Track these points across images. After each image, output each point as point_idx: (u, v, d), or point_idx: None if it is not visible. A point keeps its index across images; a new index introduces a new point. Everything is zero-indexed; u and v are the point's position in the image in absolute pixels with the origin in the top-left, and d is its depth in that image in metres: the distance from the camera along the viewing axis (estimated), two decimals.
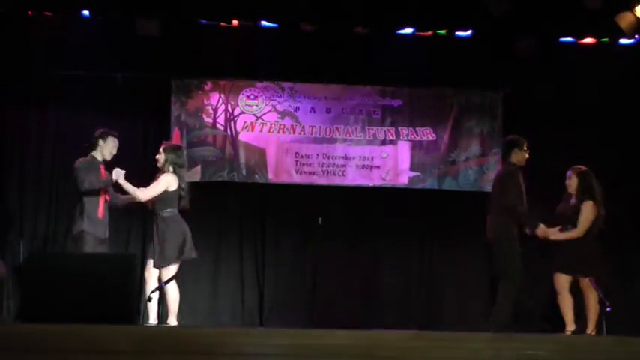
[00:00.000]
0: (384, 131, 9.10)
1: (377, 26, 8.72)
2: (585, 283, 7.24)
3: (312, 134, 9.04)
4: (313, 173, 9.01)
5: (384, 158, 9.09)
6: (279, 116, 9.02)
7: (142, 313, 8.08)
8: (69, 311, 5.82)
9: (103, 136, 7.30)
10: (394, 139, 9.11)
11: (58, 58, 8.58)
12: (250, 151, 8.95)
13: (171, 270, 6.97)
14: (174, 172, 7.15)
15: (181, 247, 7.07)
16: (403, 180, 9.09)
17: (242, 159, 8.93)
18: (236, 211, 9.01)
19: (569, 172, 7.54)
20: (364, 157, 9.06)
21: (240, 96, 9.00)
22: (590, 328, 7.19)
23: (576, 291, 7.39)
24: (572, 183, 7.45)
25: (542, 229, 7.32)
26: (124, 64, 8.70)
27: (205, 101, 8.97)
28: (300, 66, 8.98)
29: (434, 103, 9.16)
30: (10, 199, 8.60)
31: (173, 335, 5.48)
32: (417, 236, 9.11)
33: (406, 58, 8.88)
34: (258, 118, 9.00)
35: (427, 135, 9.12)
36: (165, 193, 7.10)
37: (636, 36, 8.37)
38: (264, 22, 8.71)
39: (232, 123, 8.97)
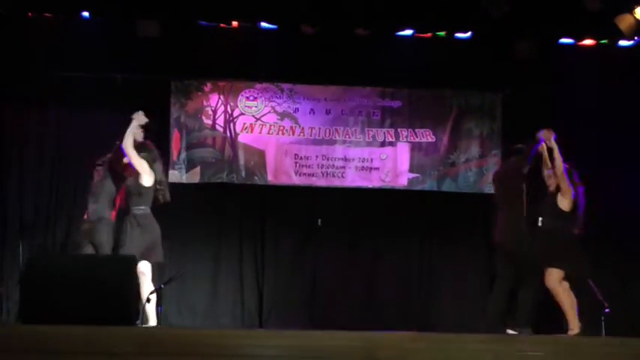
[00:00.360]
0: (384, 133, 9.11)
1: (376, 28, 8.72)
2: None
3: (311, 135, 9.04)
4: (312, 174, 9.01)
5: (383, 160, 9.09)
6: (279, 117, 9.03)
7: (140, 314, 8.07)
8: (68, 313, 5.81)
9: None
10: (393, 140, 9.11)
11: (57, 59, 8.58)
12: (250, 152, 8.95)
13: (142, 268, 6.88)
14: (150, 167, 7.11)
15: (146, 251, 6.88)
16: (402, 181, 9.10)
17: (241, 160, 8.93)
18: (235, 212, 9.00)
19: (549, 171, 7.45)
20: (363, 159, 9.06)
21: (240, 97, 9.01)
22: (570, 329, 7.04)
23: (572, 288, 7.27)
24: (551, 182, 7.38)
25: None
26: (123, 65, 8.70)
27: (205, 103, 8.97)
28: (300, 67, 8.98)
29: (433, 104, 9.17)
30: (9, 200, 8.60)
31: (172, 337, 5.48)
32: (417, 238, 9.11)
33: (406, 60, 8.89)
34: (257, 119, 9.00)
35: (426, 136, 9.13)
36: (141, 187, 7.02)
37: (636, 38, 8.36)
38: (263, 24, 8.71)
39: (232, 124, 8.97)
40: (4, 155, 8.68)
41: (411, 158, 9.09)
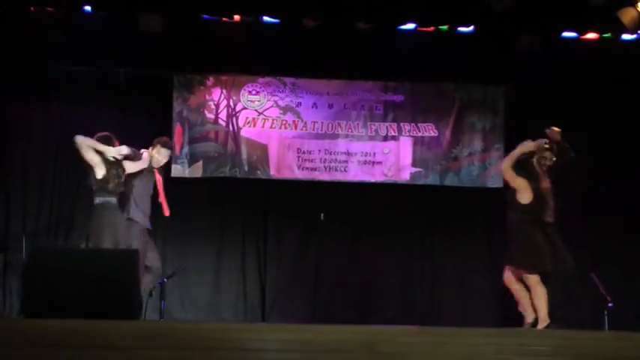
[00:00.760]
0: (386, 127, 9.10)
1: (379, 22, 8.71)
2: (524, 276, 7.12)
3: (314, 130, 9.04)
4: (315, 169, 9.01)
5: (385, 154, 9.09)
6: (281, 112, 9.02)
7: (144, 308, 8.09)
8: (71, 307, 5.82)
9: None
10: (396, 134, 9.10)
11: (60, 53, 8.58)
12: (252, 146, 8.95)
13: None
14: (103, 160, 7.09)
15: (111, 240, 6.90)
16: (405, 176, 9.09)
17: (244, 154, 8.93)
18: (238, 206, 9.01)
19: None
20: (366, 153, 9.06)
21: (242, 91, 9.00)
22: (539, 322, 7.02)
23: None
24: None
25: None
26: (126, 59, 8.70)
27: (207, 97, 8.97)
28: (302, 61, 8.98)
29: (436, 98, 9.16)
30: (12, 194, 8.60)
31: (175, 331, 5.48)
32: (419, 232, 9.11)
33: (408, 54, 8.88)
34: (260, 113, 9.00)
35: (429, 131, 9.12)
36: (95, 180, 7.02)
37: (639, 31, 8.34)
38: (266, 18, 8.70)
39: (234, 118, 8.97)
40: (8, 149, 8.69)
41: (414, 152, 9.09)
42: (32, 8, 8.55)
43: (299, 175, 9.00)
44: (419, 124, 9.12)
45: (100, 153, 6.99)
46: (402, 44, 8.90)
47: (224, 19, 8.77)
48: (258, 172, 8.95)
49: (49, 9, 8.57)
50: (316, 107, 9.07)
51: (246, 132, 8.97)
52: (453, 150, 9.11)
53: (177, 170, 8.71)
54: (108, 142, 7.08)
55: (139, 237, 7.19)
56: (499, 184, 8.61)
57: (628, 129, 9.11)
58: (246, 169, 8.93)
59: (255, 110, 9.00)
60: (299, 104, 9.05)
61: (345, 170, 9.04)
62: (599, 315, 7.23)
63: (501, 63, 8.98)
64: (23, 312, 6.78)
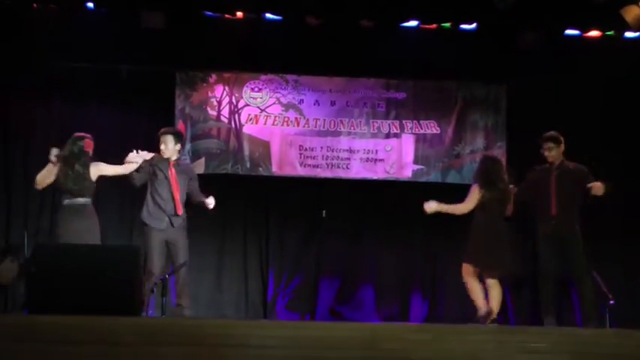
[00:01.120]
0: (389, 124, 9.10)
1: (381, 19, 8.70)
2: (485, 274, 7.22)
3: (316, 127, 9.04)
4: (317, 166, 9.01)
5: (388, 151, 9.09)
6: (284, 109, 9.03)
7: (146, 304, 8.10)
8: (73, 303, 5.83)
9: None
10: (398, 132, 9.11)
11: (62, 50, 8.57)
12: (254, 143, 8.96)
13: None
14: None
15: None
16: (407, 173, 9.10)
17: (246, 151, 8.94)
18: (240, 203, 9.01)
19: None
20: (368, 150, 9.06)
21: (245, 88, 9.01)
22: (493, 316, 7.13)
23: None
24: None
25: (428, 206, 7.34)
26: (128, 56, 8.70)
27: (210, 94, 8.97)
28: (305, 59, 8.97)
29: (438, 96, 9.16)
30: (14, 191, 8.61)
31: (177, 327, 5.49)
32: (421, 229, 9.10)
33: (410, 51, 8.87)
34: (262, 110, 9.00)
35: (431, 128, 9.12)
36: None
37: None
38: (268, 15, 8.70)
39: (236, 115, 8.98)
40: (10, 146, 8.70)
41: (416, 150, 9.09)
42: (35, 5, 8.56)
43: (301, 172, 9.00)
44: (421, 122, 9.12)
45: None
46: (405, 42, 8.89)
47: (227, 15, 8.77)
48: (261, 169, 8.95)
49: (52, 6, 8.57)
50: (318, 104, 9.07)
51: (248, 129, 8.97)
52: (455, 147, 9.11)
53: None
54: (74, 142, 7.07)
55: (148, 241, 7.24)
56: None
57: (631, 127, 9.10)
58: (248, 166, 8.94)
59: (258, 107, 9.01)
60: (301, 101, 9.05)
61: (347, 167, 9.04)
62: (601, 312, 7.20)
63: (504, 61, 8.97)
64: (26, 308, 6.79)
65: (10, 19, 8.50)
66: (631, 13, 7.94)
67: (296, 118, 9.03)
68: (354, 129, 9.07)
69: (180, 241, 7.35)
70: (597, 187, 7.27)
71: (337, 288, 8.88)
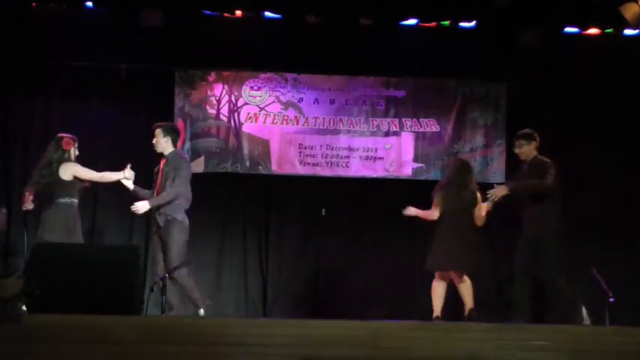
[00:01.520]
0: (388, 122, 9.10)
1: (381, 17, 8.70)
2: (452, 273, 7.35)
3: (315, 125, 9.04)
4: (317, 164, 9.01)
5: (387, 149, 9.09)
6: (283, 107, 9.02)
7: (145, 303, 8.10)
8: (72, 302, 5.82)
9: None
10: (398, 130, 9.10)
11: (61, 49, 8.57)
12: (254, 142, 8.95)
13: None
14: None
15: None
16: (407, 171, 9.09)
17: (245, 150, 8.94)
18: (239, 202, 9.01)
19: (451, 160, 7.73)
20: (368, 148, 9.06)
21: (244, 87, 9.00)
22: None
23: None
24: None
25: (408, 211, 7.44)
26: (127, 55, 8.70)
27: (209, 92, 8.97)
28: (304, 57, 8.97)
29: (438, 94, 9.15)
30: (13, 190, 8.61)
31: (177, 326, 5.49)
32: (421, 227, 9.07)
33: (410, 50, 8.87)
34: (261, 109, 9.00)
35: (431, 126, 9.12)
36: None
37: None
38: (267, 13, 8.70)
39: (236, 114, 8.97)
40: (10, 144, 8.70)
41: (416, 148, 9.09)
42: (34, 4, 8.55)
43: (301, 170, 9.00)
44: (421, 120, 9.12)
45: None
46: (404, 40, 8.89)
47: (226, 14, 8.77)
48: (260, 167, 8.95)
49: (51, 5, 8.57)
50: (318, 103, 9.07)
51: (247, 127, 8.97)
52: (454, 145, 9.10)
53: None
54: (55, 142, 7.15)
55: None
56: (501, 180, 8.61)
57: (630, 125, 9.09)
58: (247, 164, 8.94)
59: (257, 106, 9.00)
60: (301, 100, 9.04)
61: (346, 166, 9.04)
62: (601, 310, 7.19)
63: (503, 58, 8.97)
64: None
65: (9, 18, 8.49)
66: (630, 10, 7.93)
67: (295, 117, 9.02)
68: (354, 127, 9.06)
69: (169, 241, 7.05)
70: (494, 192, 7.18)
71: (336, 285, 8.88)
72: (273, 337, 5.29)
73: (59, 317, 5.36)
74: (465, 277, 7.37)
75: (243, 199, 9.03)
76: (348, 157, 9.03)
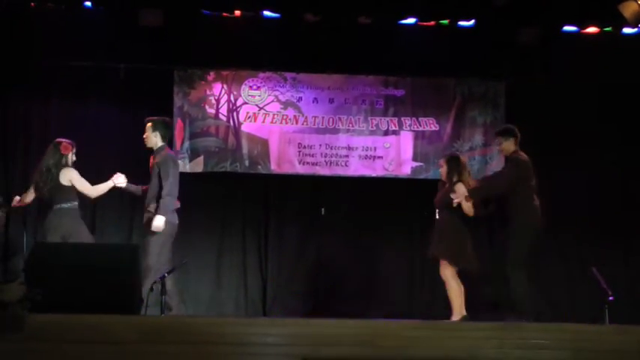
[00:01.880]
0: (387, 121, 9.10)
1: (379, 16, 8.70)
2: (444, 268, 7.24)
3: (314, 124, 9.03)
4: (316, 163, 9.01)
5: (386, 148, 9.09)
6: (282, 106, 9.02)
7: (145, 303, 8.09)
8: (72, 301, 5.81)
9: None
10: (397, 129, 9.10)
11: (60, 49, 8.56)
12: (253, 141, 8.95)
13: None
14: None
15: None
16: (406, 170, 9.09)
17: (245, 149, 8.93)
18: (239, 201, 9.01)
19: (440, 161, 7.54)
20: (367, 148, 9.06)
21: (243, 86, 9.00)
22: (455, 315, 7.14)
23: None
24: (442, 170, 7.40)
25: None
26: (126, 54, 8.69)
27: (208, 92, 8.96)
28: (303, 56, 8.97)
29: (437, 93, 9.16)
30: (13, 190, 8.59)
31: (177, 325, 5.49)
32: (420, 226, 9.09)
33: (409, 48, 8.87)
34: (260, 108, 9.00)
35: (430, 125, 9.12)
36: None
37: None
38: (266, 12, 8.69)
39: (235, 113, 8.97)
40: (9, 145, 8.69)
41: (415, 147, 9.09)
42: (33, 4, 8.55)
43: (300, 169, 9.00)
44: (420, 119, 9.12)
45: None
46: (403, 39, 8.89)
47: (224, 13, 8.76)
48: (259, 167, 8.95)
49: (50, 4, 8.56)
50: (317, 102, 9.06)
51: (246, 127, 8.97)
52: (453, 144, 9.10)
53: None
54: (54, 147, 7.14)
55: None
56: None
57: (629, 123, 9.10)
58: (246, 164, 8.93)
59: (256, 105, 9.00)
60: (300, 99, 9.04)
61: (345, 165, 9.04)
62: (600, 308, 7.19)
63: (502, 57, 8.97)
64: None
65: (7, 18, 8.48)
66: (629, 8, 7.92)
67: (294, 116, 9.02)
68: (353, 126, 9.06)
69: (148, 241, 6.95)
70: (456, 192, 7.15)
71: (336, 285, 8.88)
72: (273, 337, 5.29)
73: (59, 317, 5.35)
74: (450, 279, 7.21)
75: (242, 198, 9.03)
76: (347, 156, 9.03)
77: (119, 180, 7.18)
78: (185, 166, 8.77)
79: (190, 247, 8.68)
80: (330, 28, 8.72)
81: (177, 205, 7.07)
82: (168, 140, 7.37)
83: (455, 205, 7.12)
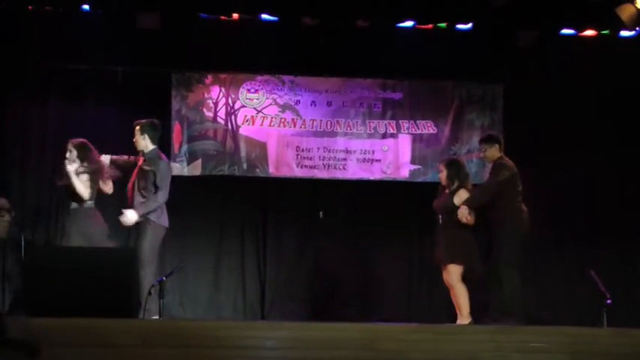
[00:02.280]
0: (385, 124, 9.10)
1: (377, 19, 8.70)
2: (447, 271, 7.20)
3: (312, 128, 9.03)
4: (314, 167, 9.01)
5: (384, 151, 9.09)
6: (280, 110, 9.02)
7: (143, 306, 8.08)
8: (70, 305, 5.80)
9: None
10: (395, 132, 9.10)
11: (58, 52, 8.56)
12: (251, 144, 8.95)
13: None
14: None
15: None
16: (404, 173, 9.09)
17: (243, 153, 8.93)
18: (237, 205, 9.01)
19: (439, 165, 7.51)
20: (365, 151, 9.06)
21: (241, 89, 9.00)
22: (460, 319, 7.10)
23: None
24: (442, 175, 7.36)
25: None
26: (124, 57, 8.69)
27: (206, 95, 8.96)
28: (301, 59, 8.97)
29: (434, 96, 9.16)
30: (11, 192, 8.58)
31: (175, 329, 5.49)
32: (418, 229, 9.10)
33: (407, 52, 8.88)
34: (258, 111, 9.00)
35: (428, 128, 9.12)
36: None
37: (637, 28, 8.33)
38: (264, 16, 8.69)
39: (233, 117, 8.97)
40: (7, 148, 8.68)
41: (413, 150, 9.09)
42: (30, 7, 8.54)
43: (298, 173, 9.00)
44: (418, 122, 9.12)
45: None
46: (401, 42, 8.90)
47: (222, 17, 8.76)
48: (257, 170, 8.95)
49: (48, 8, 8.56)
50: (315, 105, 9.06)
51: (244, 130, 8.96)
52: (451, 147, 9.11)
53: (176, 168, 8.67)
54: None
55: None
56: None
57: (627, 126, 9.11)
58: (245, 167, 8.93)
59: (254, 108, 9.00)
60: (298, 102, 9.04)
61: (344, 168, 9.03)
62: (598, 311, 7.19)
63: (500, 60, 8.98)
64: (20, 309, 6.77)
65: (5, 21, 8.48)
66: (626, 11, 7.93)
67: (292, 119, 9.02)
68: (351, 129, 9.06)
69: (140, 240, 6.98)
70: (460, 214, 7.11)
71: (334, 288, 8.88)
72: (272, 340, 5.28)
73: (57, 320, 5.35)
74: (457, 284, 7.17)
75: (240, 201, 9.02)
76: (345, 159, 9.03)
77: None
78: (183, 169, 8.78)
79: (188, 250, 8.69)
80: (327, 32, 8.72)
81: None
82: (159, 143, 7.29)
83: (464, 220, 7.06)
